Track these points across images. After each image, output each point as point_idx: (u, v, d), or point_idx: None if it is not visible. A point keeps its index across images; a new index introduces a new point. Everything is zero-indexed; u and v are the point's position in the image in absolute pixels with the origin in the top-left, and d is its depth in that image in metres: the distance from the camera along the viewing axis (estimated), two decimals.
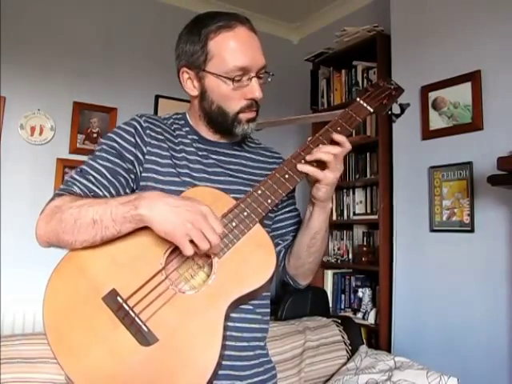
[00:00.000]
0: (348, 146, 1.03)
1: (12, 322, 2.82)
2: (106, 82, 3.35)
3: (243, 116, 1.09)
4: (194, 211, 0.88)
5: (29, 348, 1.51)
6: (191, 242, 0.88)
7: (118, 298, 0.90)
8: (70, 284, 0.93)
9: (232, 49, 1.05)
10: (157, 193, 0.94)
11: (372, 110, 1.11)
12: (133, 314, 0.89)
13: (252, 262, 0.96)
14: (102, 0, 3.39)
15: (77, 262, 0.94)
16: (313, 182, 1.05)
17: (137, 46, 3.48)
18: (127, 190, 1.08)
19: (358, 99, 1.12)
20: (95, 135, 3.29)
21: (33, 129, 3.07)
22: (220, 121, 1.11)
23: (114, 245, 0.95)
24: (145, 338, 0.88)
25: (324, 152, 1.01)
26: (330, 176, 1.02)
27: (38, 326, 2.82)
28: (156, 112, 3.51)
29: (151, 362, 0.87)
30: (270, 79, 1.12)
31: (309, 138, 1.06)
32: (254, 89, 1.07)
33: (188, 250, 0.87)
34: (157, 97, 3.51)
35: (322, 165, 1.02)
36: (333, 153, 1.01)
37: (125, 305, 0.90)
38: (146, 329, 0.88)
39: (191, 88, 1.12)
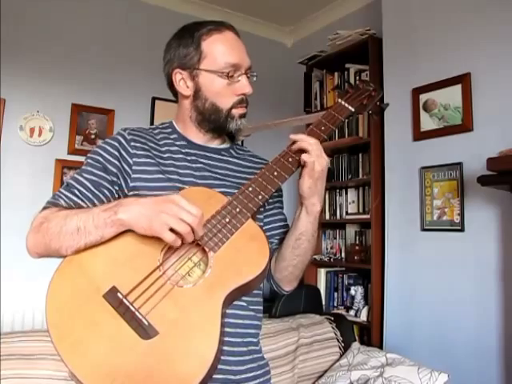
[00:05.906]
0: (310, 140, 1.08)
1: (11, 321, 2.84)
2: (104, 85, 3.38)
3: (235, 111, 1.17)
4: (164, 201, 0.92)
5: (28, 345, 1.51)
6: (173, 230, 0.91)
7: (119, 295, 0.92)
8: (71, 283, 0.95)
9: (223, 48, 1.14)
10: (133, 198, 0.99)
11: (353, 110, 1.18)
12: (133, 309, 0.91)
13: (246, 254, 0.99)
14: (100, 3, 3.42)
15: (78, 263, 0.96)
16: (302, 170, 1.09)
17: (134, 49, 3.51)
18: (112, 201, 1.12)
19: (339, 100, 1.19)
20: (93, 136, 3.32)
21: (32, 130, 3.10)
22: (213, 118, 1.17)
23: (113, 244, 0.97)
24: (145, 331, 0.89)
25: (304, 141, 1.07)
26: (311, 160, 1.05)
27: (37, 324, 2.85)
28: (153, 113, 3.55)
29: (152, 354, 0.88)
30: (255, 79, 1.20)
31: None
32: (244, 85, 1.15)
33: (169, 238, 0.91)
34: (153, 99, 3.54)
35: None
36: (309, 142, 1.06)
37: (125, 300, 0.91)
38: (146, 322, 0.90)
39: (184, 88, 1.18)
